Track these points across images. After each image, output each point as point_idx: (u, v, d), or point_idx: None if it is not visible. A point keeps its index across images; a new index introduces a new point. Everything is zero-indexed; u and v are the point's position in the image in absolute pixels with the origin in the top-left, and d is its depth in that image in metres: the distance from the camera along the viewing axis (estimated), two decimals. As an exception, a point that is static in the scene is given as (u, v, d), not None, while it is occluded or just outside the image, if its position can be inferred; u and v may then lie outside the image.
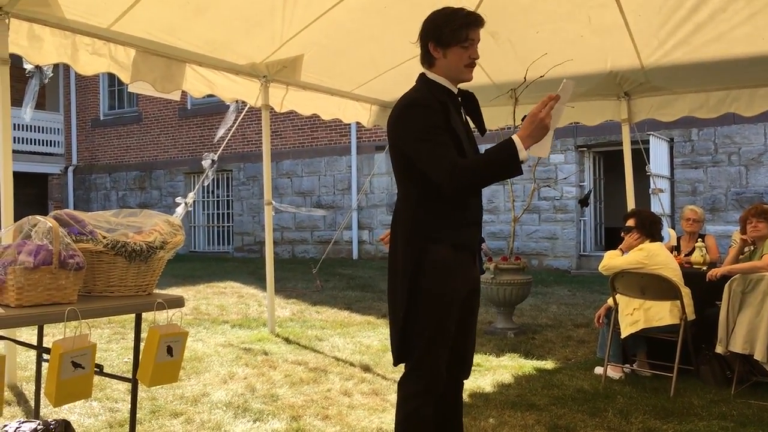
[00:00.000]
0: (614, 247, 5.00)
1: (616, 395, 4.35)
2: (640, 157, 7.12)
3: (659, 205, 7.83)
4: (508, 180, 7.55)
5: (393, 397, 4.22)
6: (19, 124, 17.35)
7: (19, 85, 4.74)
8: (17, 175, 4.86)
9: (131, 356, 3.87)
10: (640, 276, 4.60)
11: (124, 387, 4.30)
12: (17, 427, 2.49)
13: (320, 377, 4.80)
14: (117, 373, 4.37)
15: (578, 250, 12.40)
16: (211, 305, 8.15)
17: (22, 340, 3.71)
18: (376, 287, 9.93)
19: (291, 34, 5.53)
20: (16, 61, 4.31)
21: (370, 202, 14.41)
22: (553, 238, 12.46)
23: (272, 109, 6.46)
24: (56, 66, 6.20)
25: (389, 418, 3.82)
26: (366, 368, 5.06)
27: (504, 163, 2.31)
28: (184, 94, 6.47)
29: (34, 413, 3.15)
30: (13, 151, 4.43)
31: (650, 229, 4.80)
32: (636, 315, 4.63)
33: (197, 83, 5.70)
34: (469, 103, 2.61)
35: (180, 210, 6.10)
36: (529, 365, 5.18)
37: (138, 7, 4.59)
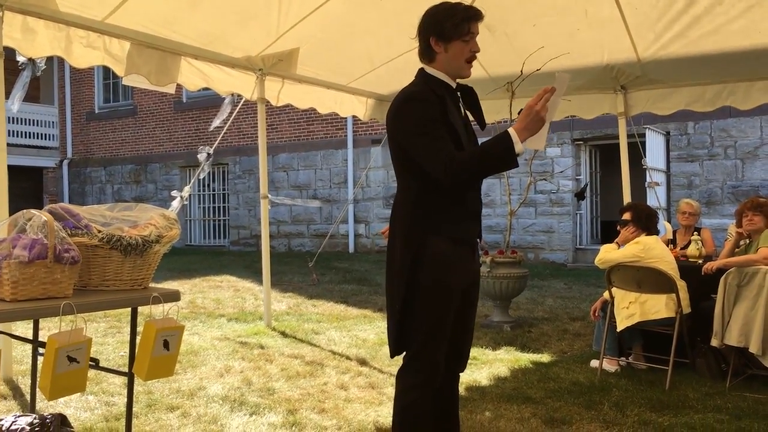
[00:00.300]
0: (610, 241, 5.01)
1: (612, 388, 4.36)
2: (637, 151, 7.12)
3: (655, 198, 7.82)
4: (505, 173, 7.55)
5: (389, 391, 4.23)
6: (13, 117, 17.28)
7: (13, 78, 4.70)
8: (12, 169, 4.84)
9: (127, 350, 3.87)
10: (636, 269, 4.61)
11: (121, 381, 4.29)
12: (13, 421, 2.49)
13: (316, 371, 4.80)
14: (113, 367, 4.38)
15: (574, 244, 12.42)
16: (207, 299, 8.14)
17: (17, 334, 3.70)
18: (373, 281, 9.93)
19: (287, 27, 5.51)
20: (9, 54, 4.28)
21: (366, 196, 14.40)
22: (549, 232, 12.47)
23: (268, 102, 6.44)
24: (50, 59, 6.17)
25: (385, 412, 3.82)
26: (362, 362, 5.07)
27: (500, 155, 2.33)
28: (179, 87, 6.44)
29: (30, 407, 3.15)
30: (8, 145, 4.41)
31: (646, 222, 4.81)
32: (632, 308, 4.64)
33: (192, 76, 5.68)
34: (469, 97, 2.62)
35: (176, 203, 6.08)
36: (525, 358, 5.20)
37: (132, -1, 4.57)
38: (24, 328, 5.19)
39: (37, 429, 2.43)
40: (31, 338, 2.86)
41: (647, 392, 4.28)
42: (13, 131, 17.39)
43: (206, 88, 6.02)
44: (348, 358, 5.21)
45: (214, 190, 16.84)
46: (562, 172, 12.06)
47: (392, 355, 2.55)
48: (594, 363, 4.91)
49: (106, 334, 5.92)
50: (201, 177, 6.61)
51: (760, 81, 6.01)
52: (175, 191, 6.29)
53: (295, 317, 6.97)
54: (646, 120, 10.00)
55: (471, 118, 2.67)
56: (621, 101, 6.66)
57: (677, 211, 6.09)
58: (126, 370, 2.74)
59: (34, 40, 4.42)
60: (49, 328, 4.02)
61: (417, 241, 2.43)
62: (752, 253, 4.52)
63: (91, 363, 2.33)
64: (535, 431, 3.55)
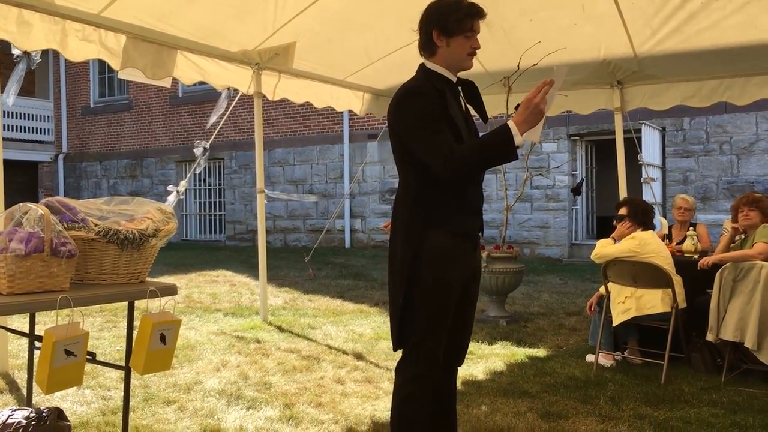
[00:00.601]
0: (606, 236, 5.02)
1: (608, 383, 4.37)
2: (632, 146, 7.13)
3: (651, 193, 7.83)
4: (501, 169, 7.56)
5: (386, 385, 4.24)
6: (8, 112, 17.21)
7: (9, 71, 4.68)
8: (7, 163, 4.82)
9: (124, 344, 3.86)
10: (632, 264, 4.62)
11: (117, 375, 4.29)
12: (9, 415, 2.48)
13: (313, 365, 4.81)
14: (109, 361, 4.36)
15: (570, 239, 12.44)
16: (203, 293, 8.14)
17: (13, 327, 3.69)
18: (369, 276, 9.94)
19: (283, 21, 5.49)
20: (4, 48, 4.27)
21: (362, 191, 14.39)
22: (545, 227, 12.49)
23: (264, 97, 6.42)
24: (46, 52, 6.14)
25: (382, 406, 3.83)
26: (359, 356, 5.07)
27: (499, 148, 2.35)
28: (175, 81, 6.43)
29: (26, 401, 3.14)
30: (3, 139, 4.40)
31: (642, 217, 4.82)
32: (628, 303, 4.65)
33: (188, 70, 5.65)
34: (470, 91, 2.63)
35: (172, 198, 6.07)
36: (521, 353, 5.21)
37: (129, -8, 4.55)
38: (20, 322, 5.17)
39: (33, 423, 2.42)
40: (28, 332, 2.86)
41: (643, 387, 4.29)
42: (8, 125, 17.32)
43: (202, 83, 6.00)
44: (344, 352, 5.21)
45: (210, 185, 16.81)
46: (558, 167, 12.07)
47: (395, 349, 2.57)
48: (590, 357, 4.93)
49: (103, 329, 5.92)
50: (197, 172, 6.60)
51: (757, 76, 6.02)
52: (171, 186, 6.28)
53: (291, 312, 6.97)
54: (642, 115, 10.02)
55: (473, 112, 2.68)
56: (617, 96, 6.66)
57: (673, 207, 6.10)
58: (122, 364, 2.73)
59: (30, 33, 4.39)
60: (45, 322, 4.01)
61: (417, 235, 2.44)
62: (748, 249, 4.54)
63: (87, 357, 2.32)
64: (531, 425, 3.56)
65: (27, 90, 17.56)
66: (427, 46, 2.54)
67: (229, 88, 6.35)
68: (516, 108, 2.42)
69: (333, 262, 11.63)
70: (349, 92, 7.34)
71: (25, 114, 17.93)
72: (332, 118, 14.60)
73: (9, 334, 4.24)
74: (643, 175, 7.41)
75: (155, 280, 2.80)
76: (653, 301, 4.58)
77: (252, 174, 15.22)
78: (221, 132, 12.97)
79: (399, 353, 2.57)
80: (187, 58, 5.60)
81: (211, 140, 6.62)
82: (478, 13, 2.48)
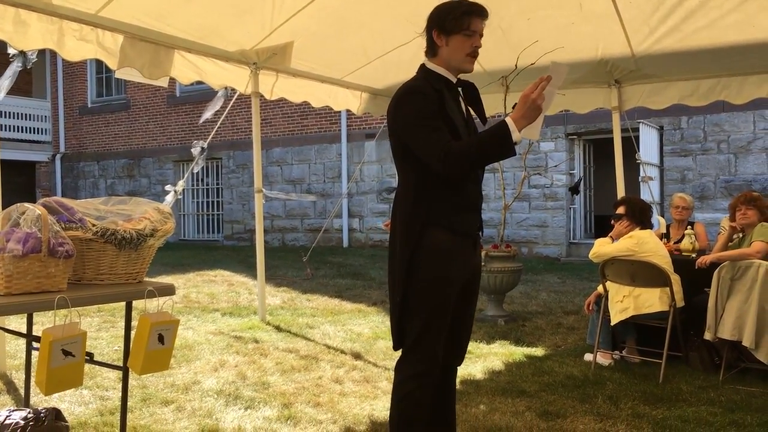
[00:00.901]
0: (604, 235, 5.02)
1: (606, 382, 4.38)
2: (630, 145, 7.13)
3: (649, 192, 7.84)
4: (499, 168, 7.55)
5: (384, 385, 4.24)
6: (5, 112, 17.18)
7: (3, 70, 4.66)
8: (4, 163, 4.82)
9: (121, 344, 3.86)
10: (629, 263, 4.62)
11: (115, 375, 4.28)
12: (7, 416, 2.47)
13: (311, 365, 4.80)
14: (107, 361, 4.35)
15: (568, 238, 12.45)
16: (201, 293, 8.13)
17: (11, 328, 3.68)
18: (367, 275, 9.94)
19: (281, 21, 5.49)
20: (0, 47, 4.25)
21: (360, 190, 14.39)
22: (543, 226, 12.49)
23: (262, 96, 6.42)
24: (43, 52, 6.12)
25: (380, 406, 3.83)
26: (357, 356, 5.07)
27: (497, 144, 2.36)
28: (172, 81, 6.42)
29: (24, 402, 3.14)
30: (0, 139, 4.39)
31: (640, 216, 4.82)
32: (626, 302, 4.66)
33: (186, 70, 5.64)
34: (470, 92, 2.64)
35: (169, 198, 6.07)
36: (519, 352, 5.21)
37: (126, -8, 4.54)
38: (17, 323, 5.16)
39: (31, 423, 2.42)
40: (25, 332, 2.85)
41: (641, 385, 4.30)
42: (6, 125, 17.28)
43: (200, 82, 5.99)
44: (343, 352, 5.21)
45: (207, 185, 16.80)
46: (555, 166, 12.07)
47: (395, 348, 2.57)
48: (588, 356, 4.93)
49: (100, 329, 5.91)
50: (195, 171, 6.59)
51: (754, 75, 6.03)
52: (168, 186, 6.28)
53: (289, 311, 6.97)
54: (639, 114, 10.03)
55: (472, 113, 2.68)
56: (615, 95, 6.66)
57: (670, 206, 6.10)
58: (120, 364, 2.73)
59: (26, 33, 4.38)
60: (42, 322, 4.00)
61: (416, 233, 2.45)
62: (745, 247, 4.54)
63: (85, 357, 2.32)
64: (529, 424, 3.56)
65: (24, 90, 17.55)
66: (430, 48, 2.57)
67: (226, 88, 6.35)
68: (513, 107, 2.43)
69: (331, 262, 11.63)
70: (346, 91, 7.33)
71: (22, 114, 17.90)
72: (330, 118, 14.60)
73: (6, 334, 4.23)
74: (641, 174, 7.41)
75: (153, 280, 2.80)
76: (651, 300, 4.58)
77: (250, 173, 15.21)
78: (219, 132, 12.95)
79: (398, 353, 2.57)
80: (184, 57, 5.59)
81: (208, 140, 6.61)
82: (478, 11, 2.49)
